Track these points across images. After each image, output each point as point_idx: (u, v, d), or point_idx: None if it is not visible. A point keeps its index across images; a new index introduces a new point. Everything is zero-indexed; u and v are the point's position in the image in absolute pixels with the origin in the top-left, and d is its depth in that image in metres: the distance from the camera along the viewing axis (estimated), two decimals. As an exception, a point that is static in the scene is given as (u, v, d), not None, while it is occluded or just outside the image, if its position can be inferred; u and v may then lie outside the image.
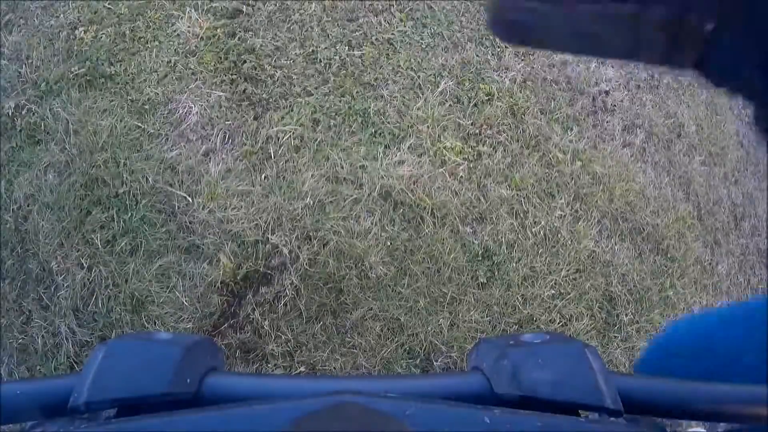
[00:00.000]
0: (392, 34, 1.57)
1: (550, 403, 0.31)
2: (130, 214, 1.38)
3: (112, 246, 1.37)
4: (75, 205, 1.40)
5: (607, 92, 1.62)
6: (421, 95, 1.49)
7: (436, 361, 1.30)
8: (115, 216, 1.39)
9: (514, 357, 0.33)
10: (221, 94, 1.49)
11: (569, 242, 1.43)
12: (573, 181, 1.49)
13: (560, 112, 1.52)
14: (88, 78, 1.53)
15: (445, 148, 1.43)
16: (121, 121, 1.47)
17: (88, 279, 1.36)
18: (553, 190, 1.47)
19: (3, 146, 1.49)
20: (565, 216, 1.45)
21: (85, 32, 1.58)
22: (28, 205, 1.43)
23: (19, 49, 1.61)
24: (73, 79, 1.53)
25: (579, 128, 1.54)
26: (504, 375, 0.32)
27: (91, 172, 1.42)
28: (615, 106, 1.62)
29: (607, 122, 1.61)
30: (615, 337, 1.36)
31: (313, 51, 1.53)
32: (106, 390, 0.31)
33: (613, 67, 1.63)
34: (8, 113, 1.52)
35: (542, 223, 1.43)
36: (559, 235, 1.43)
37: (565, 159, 1.48)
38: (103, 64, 1.55)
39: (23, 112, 1.52)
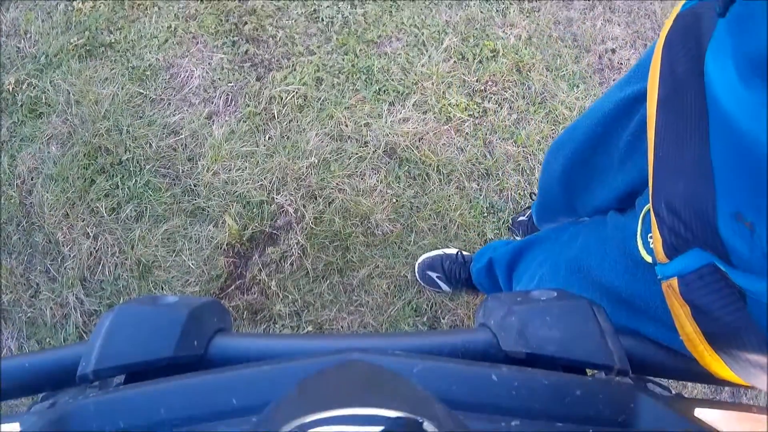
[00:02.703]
0: (394, -7, 1.55)
1: (557, 360, 0.30)
2: (134, 181, 1.37)
3: (117, 213, 1.37)
4: (79, 175, 1.40)
5: (613, 50, 1.59)
6: (425, 52, 1.46)
7: (444, 318, 1.28)
8: (119, 183, 1.38)
9: (522, 314, 0.32)
10: (223, 56, 1.47)
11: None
12: (580, 139, 1.46)
13: (566, 69, 1.49)
14: (87, 48, 1.52)
15: (450, 104, 1.41)
16: (122, 88, 1.46)
17: (95, 248, 1.35)
18: (560, 147, 1.45)
19: (5, 122, 1.48)
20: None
21: (83, 2, 1.57)
22: (32, 179, 1.43)
23: (17, 24, 1.60)
24: (73, 50, 1.52)
25: (585, 86, 1.51)
26: (511, 332, 0.32)
27: (94, 141, 1.41)
28: (621, 64, 1.59)
29: (613, 80, 1.58)
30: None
31: (315, 10, 1.51)
32: (113, 357, 0.30)
33: (619, 25, 1.60)
34: (9, 89, 1.51)
35: (549, 180, 1.41)
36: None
37: (571, 116, 1.45)
38: (102, 33, 1.53)
39: (24, 87, 1.51)
